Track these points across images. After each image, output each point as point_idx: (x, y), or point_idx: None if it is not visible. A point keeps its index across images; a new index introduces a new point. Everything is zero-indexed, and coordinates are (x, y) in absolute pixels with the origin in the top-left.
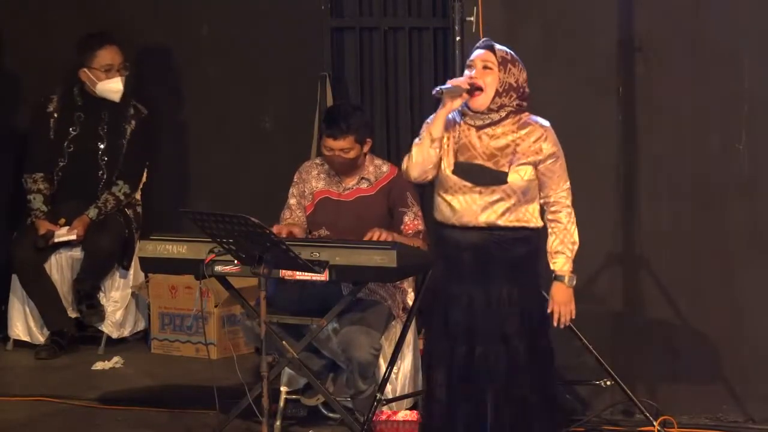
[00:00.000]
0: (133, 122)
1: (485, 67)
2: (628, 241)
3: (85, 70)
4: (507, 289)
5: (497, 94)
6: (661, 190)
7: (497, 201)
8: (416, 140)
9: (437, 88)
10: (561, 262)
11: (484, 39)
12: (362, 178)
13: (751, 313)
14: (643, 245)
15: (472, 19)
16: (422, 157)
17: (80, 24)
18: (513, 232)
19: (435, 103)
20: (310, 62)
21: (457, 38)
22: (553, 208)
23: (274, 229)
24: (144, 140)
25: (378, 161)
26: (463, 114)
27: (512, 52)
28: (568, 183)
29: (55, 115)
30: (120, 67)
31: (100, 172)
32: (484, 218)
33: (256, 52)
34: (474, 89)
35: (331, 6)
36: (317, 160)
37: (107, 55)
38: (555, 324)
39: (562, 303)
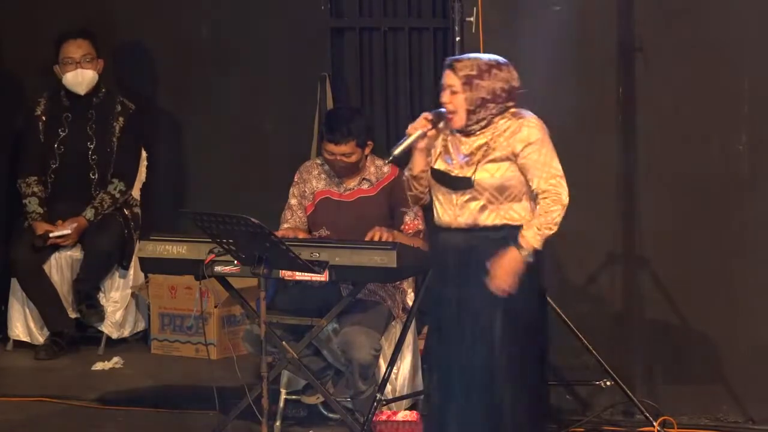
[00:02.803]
0: (121, 119)
1: (452, 92)
2: (628, 241)
3: (56, 66)
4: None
5: (469, 112)
6: (661, 190)
7: (470, 200)
8: (408, 168)
9: (391, 152)
10: (526, 232)
11: (449, 57)
12: (363, 178)
13: (751, 314)
14: (643, 245)
15: (472, 19)
16: (410, 190)
17: (80, 25)
18: (494, 231)
19: (435, 104)
20: (310, 62)
21: (457, 38)
22: (542, 196)
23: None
24: (134, 136)
25: (379, 162)
26: None
27: (483, 60)
28: (558, 172)
29: (43, 117)
30: (82, 59)
31: (92, 173)
32: (463, 219)
33: (256, 52)
34: (445, 116)
35: (331, 6)
36: (318, 160)
37: (68, 49)
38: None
39: (501, 266)
